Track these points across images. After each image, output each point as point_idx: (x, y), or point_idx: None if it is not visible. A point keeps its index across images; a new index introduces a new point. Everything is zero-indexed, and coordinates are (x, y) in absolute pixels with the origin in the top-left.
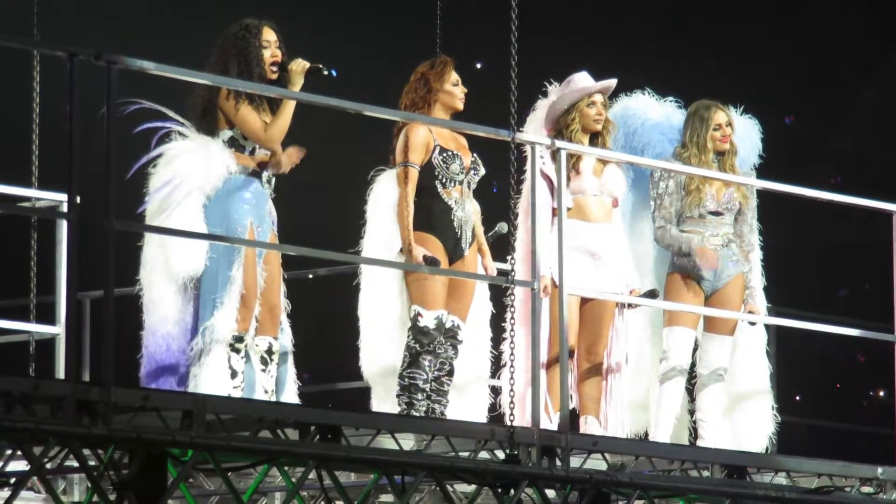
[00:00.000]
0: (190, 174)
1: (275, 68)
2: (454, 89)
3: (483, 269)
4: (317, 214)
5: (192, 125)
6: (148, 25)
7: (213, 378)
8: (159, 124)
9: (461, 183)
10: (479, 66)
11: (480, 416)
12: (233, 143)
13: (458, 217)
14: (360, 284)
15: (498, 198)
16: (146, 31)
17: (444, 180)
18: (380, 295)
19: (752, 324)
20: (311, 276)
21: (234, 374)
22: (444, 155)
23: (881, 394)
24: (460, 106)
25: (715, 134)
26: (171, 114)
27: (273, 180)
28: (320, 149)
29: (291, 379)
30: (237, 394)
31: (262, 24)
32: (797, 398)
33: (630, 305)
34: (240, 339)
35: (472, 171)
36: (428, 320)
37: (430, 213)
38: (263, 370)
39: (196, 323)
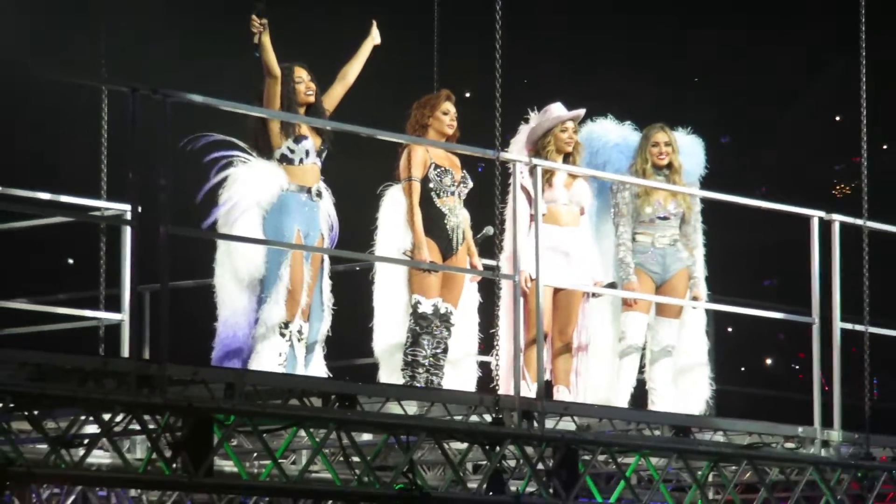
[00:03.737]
0: (247, 194)
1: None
2: (444, 117)
3: (470, 266)
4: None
5: (251, 147)
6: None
7: (267, 357)
8: (225, 153)
9: (453, 194)
10: (467, 95)
11: (470, 385)
12: (283, 159)
13: (451, 222)
14: (373, 279)
15: (481, 206)
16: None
17: (438, 191)
18: (389, 287)
19: (695, 308)
20: (357, 267)
21: (279, 354)
22: (439, 170)
23: (796, 367)
24: (448, 131)
25: (653, 150)
26: (238, 142)
27: (323, 193)
28: (340, 166)
29: (320, 364)
30: (281, 369)
31: (292, 66)
32: (740, 369)
33: (594, 294)
34: (286, 325)
35: (461, 184)
36: (426, 307)
37: (427, 219)
38: (298, 343)
39: (258, 315)
